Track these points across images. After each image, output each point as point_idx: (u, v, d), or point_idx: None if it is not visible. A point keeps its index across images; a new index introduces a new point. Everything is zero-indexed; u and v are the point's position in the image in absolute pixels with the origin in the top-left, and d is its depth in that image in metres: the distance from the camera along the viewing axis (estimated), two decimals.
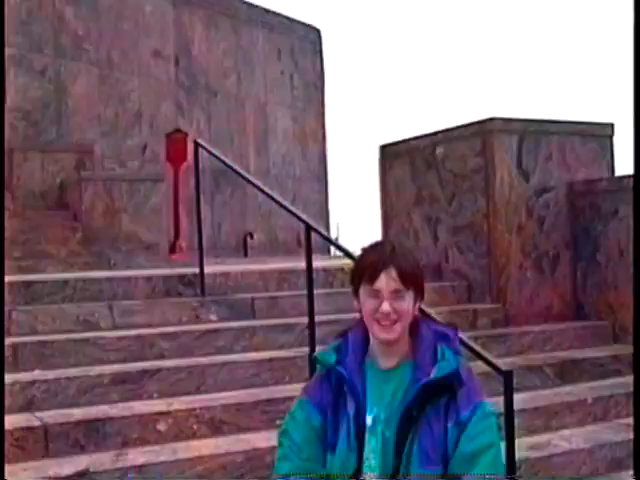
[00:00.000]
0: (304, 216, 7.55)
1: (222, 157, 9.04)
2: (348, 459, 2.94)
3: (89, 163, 13.48)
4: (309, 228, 7.29)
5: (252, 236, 19.60)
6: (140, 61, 18.83)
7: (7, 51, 16.25)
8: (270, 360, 7.42)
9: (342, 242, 7.81)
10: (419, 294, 3.08)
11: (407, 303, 3.01)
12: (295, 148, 22.62)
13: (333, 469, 2.97)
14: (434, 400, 2.96)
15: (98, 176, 12.92)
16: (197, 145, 9.19)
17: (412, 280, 3.03)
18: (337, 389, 3.03)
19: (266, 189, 8.22)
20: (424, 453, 2.91)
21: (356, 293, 3.09)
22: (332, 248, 14.07)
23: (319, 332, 6.97)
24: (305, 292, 7.49)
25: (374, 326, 3.01)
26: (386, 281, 2.98)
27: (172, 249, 13.23)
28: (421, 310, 3.25)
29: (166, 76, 19.40)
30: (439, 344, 3.07)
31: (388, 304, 2.97)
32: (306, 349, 7.07)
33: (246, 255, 18.46)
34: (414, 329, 3.09)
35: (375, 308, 2.98)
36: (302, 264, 9.76)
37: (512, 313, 9.46)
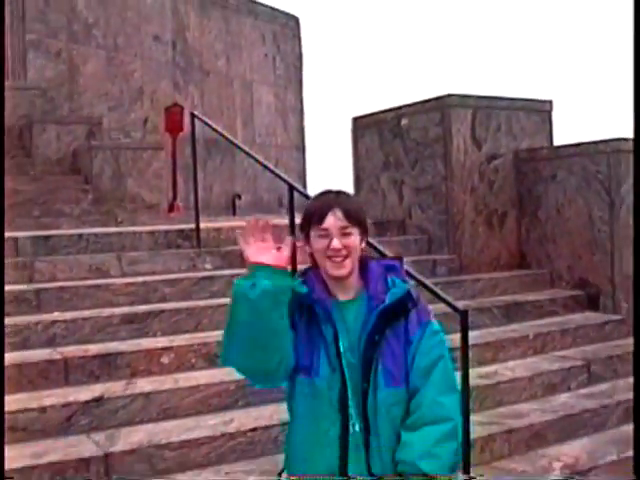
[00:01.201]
0: (288, 178, 7.56)
1: (217, 127, 9.02)
2: (333, 379, 2.93)
3: (98, 134, 13.37)
4: (292, 188, 7.30)
5: (240, 197, 19.56)
6: (142, 45, 18.69)
7: (27, 36, 16.17)
8: None
9: None
10: (364, 232, 3.03)
11: (354, 239, 2.97)
12: (277, 120, 22.53)
13: (318, 390, 2.95)
14: (392, 324, 2.94)
15: (106, 145, 12.85)
16: (193, 116, 9.16)
17: (356, 218, 2.99)
18: (309, 319, 2.96)
19: (257, 156, 8.24)
20: (389, 373, 2.91)
21: (307, 237, 3.04)
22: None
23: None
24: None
25: (327, 263, 2.97)
26: (334, 220, 2.94)
27: (170, 208, 13.17)
28: (368, 243, 3.23)
29: (164, 58, 19.27)
30: (388, 275, 3.05)
31: (338, 241, 2.93)
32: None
33: (234, 214, 18.42)
34: (364, 265, 3.06)
35: (326, 246, 2.94)
36: (284, 220, 9.80)
37: (466, 263, 9.51)
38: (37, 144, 12.87)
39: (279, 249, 2.82)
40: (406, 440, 2.89)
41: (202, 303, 7.41)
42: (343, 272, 2.97)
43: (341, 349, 2.92)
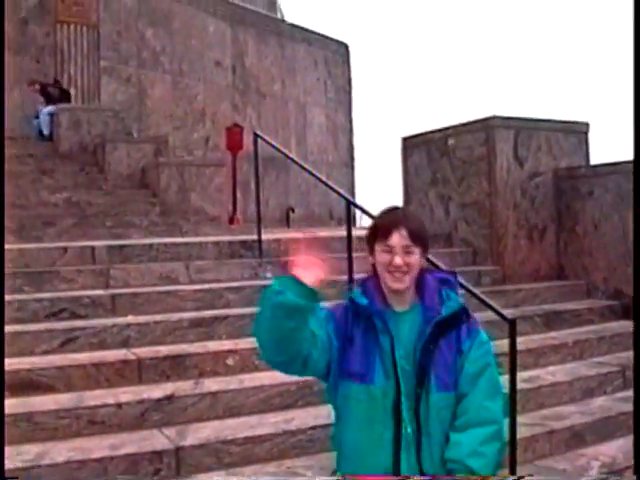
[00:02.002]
0: (346, 194, 7.55)
1: (279, 146, 9.04)
2: (387, 386, 2.93)
3: (164, 151, 13.48)
4: (349, 203, 7.28)
5: (293, 210, 19.60)
6: (204, 70, 18.85)
7: (101, 63, 16.43)
8: None
9: (366, 217, 7.79)
10: (425, 250, 3.02)
11: (415, 257, 2.96)
12: (328, 139, 22.59)
13: (373, 396, 2.95)
14: (445, 334, 2.94)
15: (172, 162, 12.95)
16: (256, 136, 9.18)
17: (419, 238, 2.98)
18: (365, 328, 2.95)
19: (318, 174, 8.25)
20: (441, 380, 2.90)
21: (371, 250, 3.02)
22: (357, 220, 14.05)
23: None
24: (342, 255, 7.48)
25: (387, 277, 2.95)
26: (398, 238, 2.93)
27: (230, 220, 13.24)
28: (427, 259, 3.22)
29: (225, 82, 19.42)
30: (442, 288, 3.05)
31: (400, 258, 2.92)
32: (345, 301, 7.06)
33: (288, 226, 18.45)
34: (419, 277, 3.04)
35: (389, 261, 2.93)
36: (337, 232, 9.79)
37: (508, 274, 9.42)
38: (109, 161, 13.00)
39: (320, 268, 2.82)
40: (455, 440, 2.90)
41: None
42: (402, 287, 2.97)
43: (397, 357, 2.92)
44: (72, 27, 16.53)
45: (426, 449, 2.90)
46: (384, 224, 3.01)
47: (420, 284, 3.04)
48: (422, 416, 2.89)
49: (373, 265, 3.04)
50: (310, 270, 2.78)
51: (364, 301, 2.98)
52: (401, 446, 2.90)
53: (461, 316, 2.99)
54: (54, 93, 14.94)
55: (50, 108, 14.76)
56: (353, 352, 2.95)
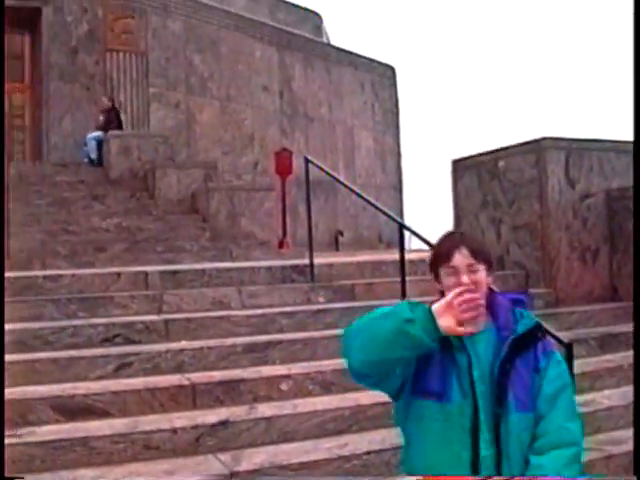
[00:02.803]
0: (397, 217, 7.55)
1: (329, 171, 9.08)
2: (464, 405, 2.90)
3: (214, 176, 13.59)
4: (402, 227, 7.28)
5: (342, 234, 19.65)
6: (252, 95, 19.03)
7: (150, 90, 16.67)
8: None
9: (415, 240, 7.80)
10: (490, 267, 3.01)
11: (481, 275, 2.94)
12: (376, 163, 22.63)
13: (450, 415, 2.92)
14: (521, 353, 2.92)
15: (222, 187, 13.05)
16: (307, 161, 9.22)
17: (482, 255, 2.98)
18: (442, 345, 2.89)
19: (369, 198, 8.28)
20: (519, 400, 2.87)
21: (436, 275, 3.02)
22: (406, 242, 14.02)
23: None
24: (394, 279, 7.47)
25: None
26: (461, 258, 2.93)
27: (280, 244, 13.30)
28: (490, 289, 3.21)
29: (273, 106, 19.57)
30: (515, 307, 3.03)
31: (466, 276, 2.91)
32: None
33: (337, 249, 18.49)
34: (490, 297, 3.03)
35: (456, 282, 2.91)
36: (389, 256, 9.77)
37: (561, 296, 9.33)
38: (160, 186, 13.14)
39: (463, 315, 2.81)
40: (536, 463, 2.85)
41: (317, 334, 7.40)
42: None
43: (474, 377, 2.90)
44: (121, 55, 16.81)
45: (506, 472, 2.86)
46: (444, 247, 3.02)
47: (492, 304, 3.03)
48: (502, 438, 2.86)
49: (441, 292, 3.04)
50: (452, 313, 2.77)
51: None
52: (480, 468, 2.87)
53: (536, 334, 2.98)
54: (112, 119, 15.20)
55: (96, 134, 15.03)
56: (429, 371, 2.94)
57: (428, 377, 2.94)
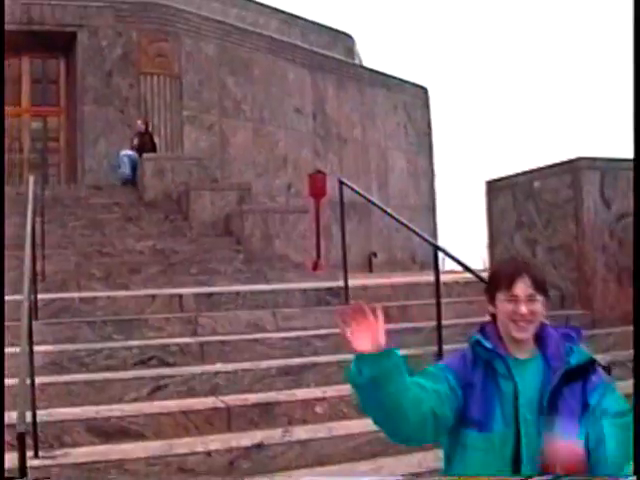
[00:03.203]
0: (431, 238, 7.54)
1: (363, 192, 9.09)
2: (506, 434, 2.87)
3: (248, 199, 13.62)
4: (437, 249, 7.26)
5: (375, 255, 19.62)
6: (285, 117, 19.11)
7: (184, 113, 16.81)
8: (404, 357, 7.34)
9: (449, 261, 7.76)
10: (546, 298, 2.98)
11: (539, 306, 2.91)
12: (409, 184, 22.61)
13: (492, 444, 2.88)
14: (570, 385, 2.88)
15: (256, 209, 13.07)
16: (341, 183, 9.24)
17: (542, 286, 2.94)
18: (485, 374, 2.89)
19: (402, 219, 8.26)
20: (565, 430, 2.85)
21: (492, 299, 2.98)
22: (440, 264, 13.96)
23: (443, 334, 6.94)
24: (429, 301, 7.44)
25: (511, 326, 2.90)
26: (523, 287, 2.89)
27: (314, 266, 13.27)
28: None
29: (306, 128, 19.65)
30: (565, 341, 3.01)
31: (525, 307, 2.88)
32: (432, 347, 7.03)
33: (371, 271, 18.46)
34: (539, 328, 2.98)
35: (513, 311, 2.88)
36: (423, 278, 9.75)
37: (598, 317, 9.25)
38: (194, 209, 13.20)
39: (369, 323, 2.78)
40: None
41: (352, 356, 7.36)
42: (525, 336, 2.93)
43: (520, 405, 2.87)
44: (155, 78, 16.96)
45: None
46: (507, 273, 2.98)
47: (540, 334, 3.00)
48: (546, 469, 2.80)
49: (492, 315, 3.03)
50: (364, 333, 2.74)
51: (488, 344, 2.94)
52: None
53: (588, 368, 2.93)
54: (146, 142, 15.32)
55: (129, 152, 15.18)
56: (473, 399, 2.89)
57: (471, 406, 2.90)
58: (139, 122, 15.73)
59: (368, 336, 2.71)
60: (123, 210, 13.52)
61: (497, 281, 2.98)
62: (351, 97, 21.16)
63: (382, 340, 2.71)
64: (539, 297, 2.93)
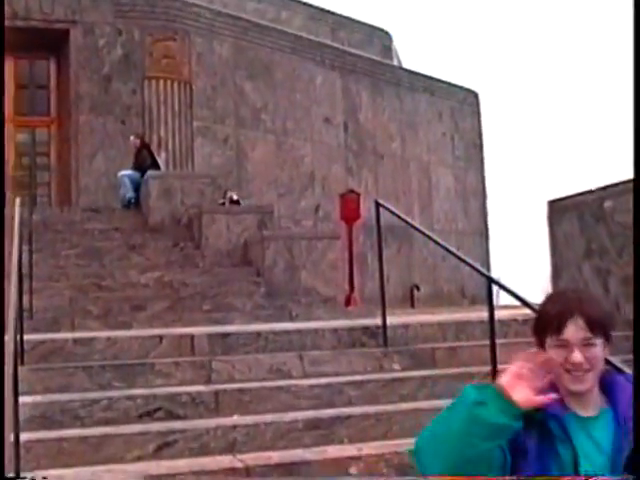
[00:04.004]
0: (484, 269, 7.50)
1: (403, 216, 9.08)
2: None
3: (269, 223, 13.64)
4: (491, 282, 7.22)
5: (418, 288, 19.58)
6: (312, 128, 19.17)
7: (194, 123, 16.89)
8: None
9: (504, 295, 7.71)
10: (608, 339, 2.80)
11: (598, 351, 2.75)
12: (457, 204, 22.57)
13: None
14: None
15: (279, 235, 13.10)
16: (378, 205, 9.23)
17: (600, 327, 2.76)
18: (540, 436, 2.77)
19: (449, 246, 8.24)
20: None
21: (541, 343, 2.81)
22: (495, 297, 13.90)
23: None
24: (482, 342, 7.39)
25: (564, 377, 2.75)
26: (575, 330, 2.73)
27: (347, 301, 13.27)
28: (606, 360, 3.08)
29: (336, 141, 19.69)
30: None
31: (579, 354, 2.72)
32: None
33: (413, 306, 18.41)
34: (605, 377, 2.90)
35: (565, 359, 2.74)
36: (475, 314, 9.69)
37: None
38: (206, 235, 13.23)
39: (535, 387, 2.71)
40: None
41: (391, 407, 7.34)
42: (583, 388, 2.80)
43: (581, 473, 2.79)
44: (161, 83, 17.08)
45: None
46: (555, 313, 2.81)
47: (608, 384, 2.89)
48: None
49: (545, 362, 2.94)
50: (524, 384, 2.68)
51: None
52: None
53: None
54: (144, 158, 15.38)
55: (130, 172, 15.25)
56: (526, 466, 2.83)
57: (526, 473, 2.84)
58: (132, 138, 15.80)
59: (524, 389, 2.61)
60: (125, 237, 13.58)
61: (544, 323, 2.83)
62: (388, 104, 21.20)
63: (529, 404, 2.64)
64: (597, 340, 2.77)
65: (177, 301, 11.36)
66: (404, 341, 8.76)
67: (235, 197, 15.70)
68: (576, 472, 2.74)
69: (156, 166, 15.41)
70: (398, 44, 25.84)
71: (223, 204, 15.29)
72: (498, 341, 7.70)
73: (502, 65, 76.87)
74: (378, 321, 8.84)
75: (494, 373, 6.93)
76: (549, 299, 2.90)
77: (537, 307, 3.05)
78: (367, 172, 20.08)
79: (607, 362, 3.01)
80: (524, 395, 2.58)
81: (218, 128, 17.46)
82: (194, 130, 17.12)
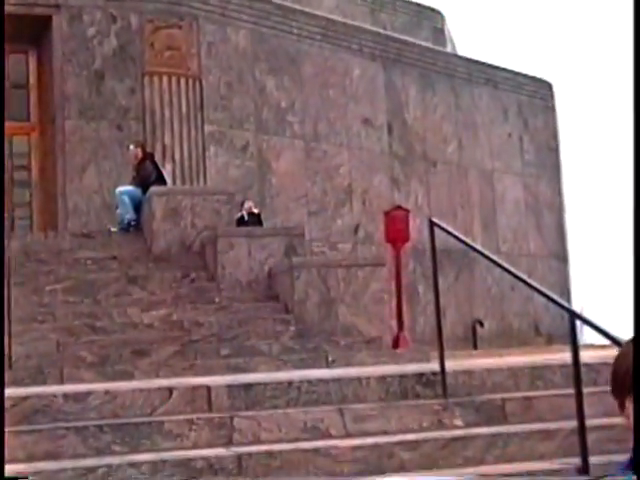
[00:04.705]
0: (565, 302, 7.46)
1: (462, 237, 9.06)
2: None
3: (299, 247, 13.63)
4: (573, 316, 7.17)
5: (482, 324, 19.51)
6: (348, 131, 19.20)
7: (206, 128, 16.94)
8: (529, 473, 7.26)
9: (589, 331, 7.67)
10: None
11: None
12: (528, 221, 22.49)
13: None
14: None
15: (311, 262, 13.09)
16: (432, 224, 9.21)
17: None
18: None
19: (518, 272, 8.20)
20: None
21: (620, 405, 2.73)
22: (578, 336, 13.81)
23: (588, 440, 6.84)
24: (564, 391, 7.34)
25: None
26: None
27: (395, 342, 13.24)
28: None
29: (378, 146, 19.71)
30: None
31: None
32: (574, 460, 6.92)
33: (476, 346, 18.35)
34: None
35: None
36: (554, 356, 9.64)
37: None
38: (223, 263, 13.25)
39: None
40: None
41: (453, 473, 7.31)
42: None
43: None
44: (165, 80, 17.16)
45: None
46: (630, 370, 2.84)
47: None
48: None
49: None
50: None
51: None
52: None
53: None
54: (148, 172, 15.40)
55: (129, 188, 15.30)
56: None
57: None
58: (131, 147, 15.82)
59: None
60: (124, 267, 13.64)
61: (618, 382, 2.76)
62: (442, 100, 21.20)
63: None
64: None
65: (189, 345, 11.39)
66: (467, 391, 8.71)
67: (255, 209, 15.74)
68: None
69: (161, 181, 15.44)
70: (452, 27, 25.89)
71: (241, 219, 15.32)
72: (585, 390, 7.65)
73: (582, 50, 76.59)
74: (435, 366, 8.81)
75: (582, 430, 6.89)
76: (625, 349, 2.82)
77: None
78: (417, 183, 20.07)
79: None
80: None
81: (235, 134, 17.51)
82: (206, 136, 17.18)
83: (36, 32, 17.07)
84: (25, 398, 8.01)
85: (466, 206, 20.93)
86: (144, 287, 13.06)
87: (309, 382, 8.58)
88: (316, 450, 7.48)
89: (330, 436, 7.94)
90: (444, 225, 9.26)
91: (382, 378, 8.80)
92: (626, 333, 3.02)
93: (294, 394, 8.42)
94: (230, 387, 8.37)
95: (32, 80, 17.82)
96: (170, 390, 8.31)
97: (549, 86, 23.97)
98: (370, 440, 7.74)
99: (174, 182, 16.26)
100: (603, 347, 8.97)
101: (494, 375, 9.07)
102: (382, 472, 7.36)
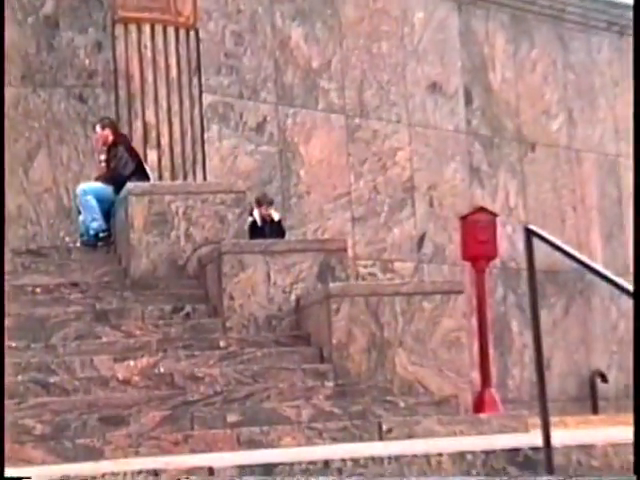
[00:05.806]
0: None
1: (576, 253, 9.04)
2: None
3: (339, 267, 13.63)
4: None
5: (605, 378, 19.48)
6: (408, 100, 19.17)
7: (206, 98, 16.99)
8: None
9: None
10: None
11: None
12: None
13: None
14: None
15: (355, 289, 13.08)
16: (529, 232, 9.17)
17: None
18: None
19: None
20: None
21: None
22: None
23: None
24: None
25: None
26: None
27: (478, 404, 13.27)
28: None
29: (450, 122, 19.70)
30: None
31: None
32: None
33: (596, 410, 18.34)
34: None
35: None
36: None
37: None
38: (230, 291, 13.28)
39: None
40: None
41: None
42: None
43: None
44: (147, 30, 17.20)
45: None
46: None
47: None
48: None
49: None
50: None
51: None
52: None
53: None
54: (122, 160, 15.40)
55: (95, 185, 15.32)
56: None
57: None
58: (98, 127, 15.80)
59: None
60: (89, 298, 13.69)
61: None
62: (542, 54, 21.19)
63: None
64: None
65: (182, 408, 11.43)
66: (582, 472, 8.70)
67: (275, 214, 15.73)
68: None
69: (141, 175, 15.45)
70: None
71: (255, 227, 15.36)
72: None
73: None
74: (536, 438, 8.79)
75: None
76: None
77: None
78: (507, 175, 20.04)
79: None
80: None
81: (247, 106, 17.52)
82: (205, 110, 17.19)
83: None
84: None
85: (579, 207, 20.87)
86: (118, 326, 13.11)
87: (354, 461, 8.59)
88: None
89: None
90: (547, 235, 9.25)
91: (460, 455, 8.79)
92: None
93: (333, 478, 8.44)
94: (242, 468, 8.40)
95: None
96: (156, 473, 8.34)
97: None
98: None
99: (160, 176, 16.27)
100: None
101: (624, 451, 9.04)
102: None
